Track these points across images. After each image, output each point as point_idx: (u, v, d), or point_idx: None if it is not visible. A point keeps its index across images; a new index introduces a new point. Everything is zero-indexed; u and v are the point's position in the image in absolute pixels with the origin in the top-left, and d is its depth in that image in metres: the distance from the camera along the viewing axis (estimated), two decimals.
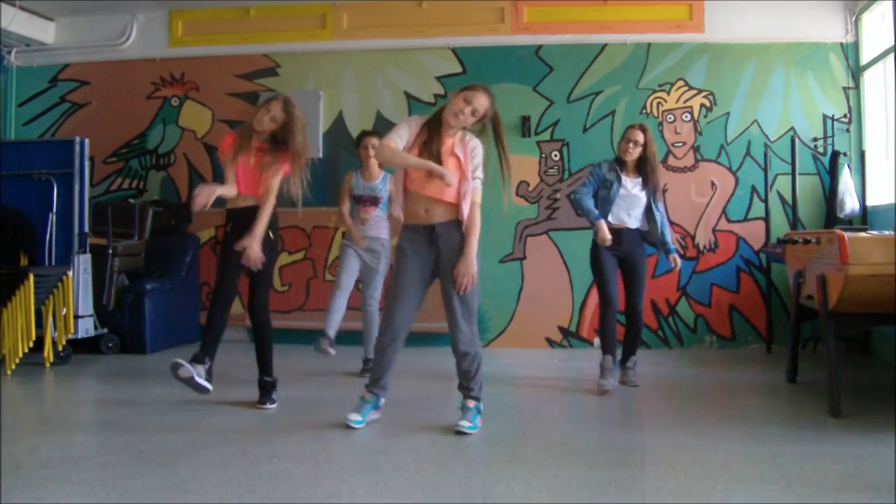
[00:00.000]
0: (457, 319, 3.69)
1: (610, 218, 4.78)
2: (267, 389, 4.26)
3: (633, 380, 4.87)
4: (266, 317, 4.28)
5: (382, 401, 3.87)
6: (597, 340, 6.43)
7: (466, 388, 3.75)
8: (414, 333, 6.06)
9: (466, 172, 3.69)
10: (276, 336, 6.55)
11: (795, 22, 6.36)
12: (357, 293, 5.40)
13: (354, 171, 5.40)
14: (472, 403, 3.72)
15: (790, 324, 5.00)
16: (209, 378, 4.09)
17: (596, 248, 4.83)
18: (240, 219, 4.22)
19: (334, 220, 5.56)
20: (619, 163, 4.84)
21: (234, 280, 4.27)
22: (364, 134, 5.42)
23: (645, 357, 5.79)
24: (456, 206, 3.70)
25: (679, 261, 4.97)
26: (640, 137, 4.77)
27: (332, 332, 5.22)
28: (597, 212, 4.76)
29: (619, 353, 4.90)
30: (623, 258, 4.84)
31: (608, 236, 4.70)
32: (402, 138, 3.73)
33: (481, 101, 3.70)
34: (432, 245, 3.73)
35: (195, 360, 4.06)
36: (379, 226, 5.28)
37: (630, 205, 4.79)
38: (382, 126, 6.12)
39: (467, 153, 3.72)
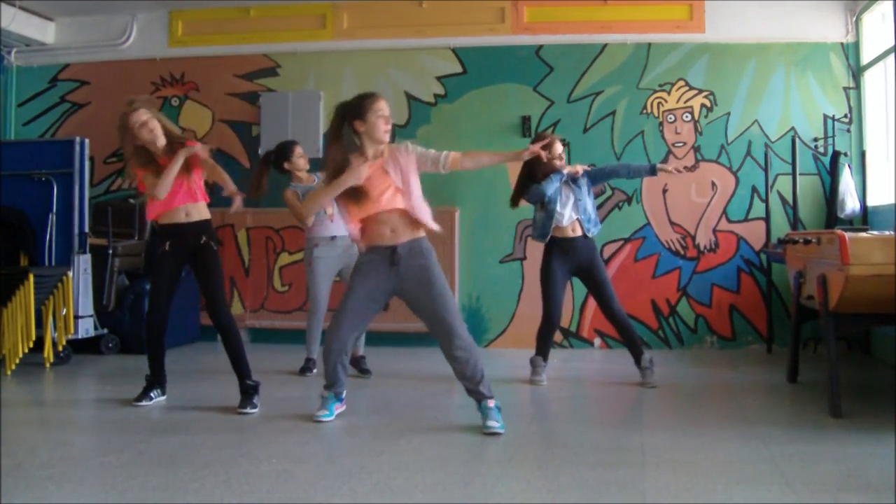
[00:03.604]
0: (445, 329, 3.64)
1: (557, 223, 4.83)
2: (248, 394, 4.15)
3: (650, 380, 4.80)
4: (230, 321, 4.21)
5: (344, 392, 3.93)
6: (597, 340, 6.45)
7: (478, 393, 3.69)
8: (414, 334, 6.17)
9: (410, 185, 3.64)
10: (275, 336, 6.71)
11: (796, 22, 6.35)
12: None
13: (289, 186, 5.22)
14: (491, 403, 3.68)
15: (790, 324, 4.99)
16: (161, 386, 4.36)
17: (547, 259, 4.90)
18: (184, 234, 4.16)
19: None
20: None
21: (165, 309, 4.20)
22: (280, 155, 5.24)
23: None
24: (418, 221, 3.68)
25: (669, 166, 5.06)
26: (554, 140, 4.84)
27: (314, 355, 5.25)
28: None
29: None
30: (578, 270, 4.92)
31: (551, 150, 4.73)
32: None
33: (386, 107, 3.68)
34: (393, 267, 3.67)
35: (145, 392, 4.28)
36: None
37: (567, 199, 4.83)
38: None
39: (408, 160, 3.67)
